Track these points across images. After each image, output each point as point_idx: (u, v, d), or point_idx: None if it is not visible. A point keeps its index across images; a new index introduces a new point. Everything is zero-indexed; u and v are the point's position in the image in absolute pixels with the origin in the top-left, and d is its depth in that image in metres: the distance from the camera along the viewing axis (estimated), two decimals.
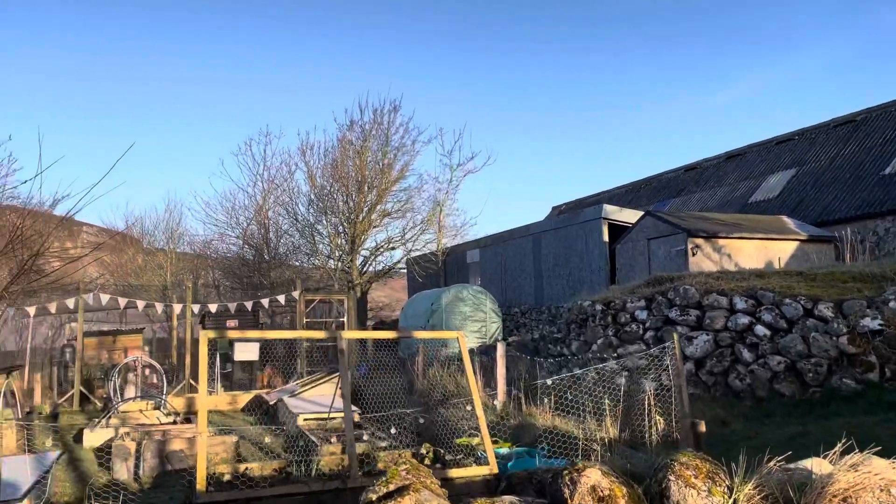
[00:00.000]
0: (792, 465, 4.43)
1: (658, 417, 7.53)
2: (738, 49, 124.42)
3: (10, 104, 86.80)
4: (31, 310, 14.66)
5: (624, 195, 32.08)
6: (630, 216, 21.63)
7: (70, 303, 15.03)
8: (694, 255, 18.14)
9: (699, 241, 18.07)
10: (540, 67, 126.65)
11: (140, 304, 15.90)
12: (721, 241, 18.34)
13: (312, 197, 25.09)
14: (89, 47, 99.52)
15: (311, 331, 12.03)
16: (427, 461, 9.58)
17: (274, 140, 49.14)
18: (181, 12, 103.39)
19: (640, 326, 12.28)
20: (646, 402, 7.76)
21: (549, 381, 7.84)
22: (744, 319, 11.59)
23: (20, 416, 11.27)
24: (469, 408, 8.04)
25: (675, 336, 7.81)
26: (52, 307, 15.09)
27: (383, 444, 10.03)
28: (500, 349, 10.97)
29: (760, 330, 11.37)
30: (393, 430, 9.33)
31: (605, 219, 21.55)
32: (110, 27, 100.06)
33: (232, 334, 9.97)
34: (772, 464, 4.34)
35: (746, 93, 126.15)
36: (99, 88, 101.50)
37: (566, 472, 4.52)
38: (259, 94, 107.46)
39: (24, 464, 8.32)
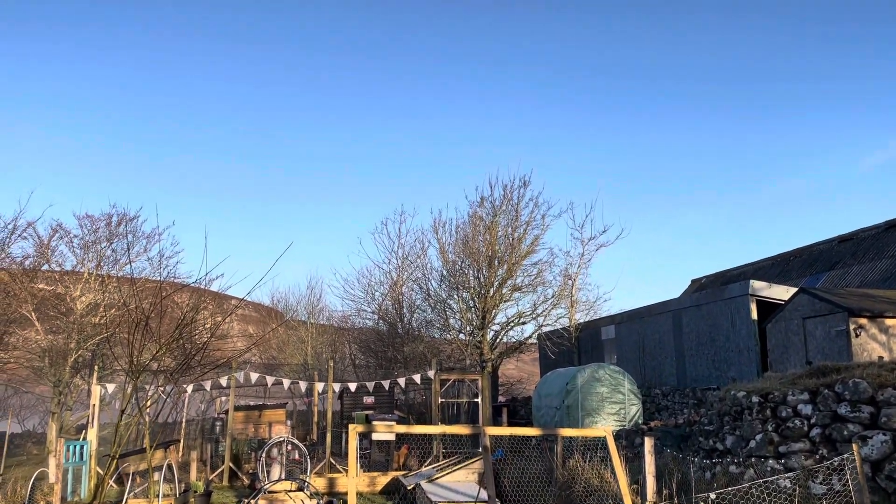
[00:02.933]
0: None
1: None
2: (882, 107, 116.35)
3: (178, 187, 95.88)
4: (189, 387, 15.61)
5: (770, 268, 30.18)
6: (781, 293, 20.23)
7: (223, 380, 15.89)
8: (857, 336, 16.61)
9: (863, 321, 16.55)
10: (673, 137, 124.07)
11: (286, 382, 16.54)
12: (889, 322, 16.71)
13: (444, 272, 25.48)
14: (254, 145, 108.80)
15: (455, 426, 11.98)
16: None
17: (408, 218, 50.29)
18: (329, 110, 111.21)
19: (805, 422, 11.22)
20: None
21: (712, 496, 7.25)
22: None
23: (178, 494, 11.85)
24: None
25: (856, 447, 7.02)
26: (207, 384, 16.00)
27: None
28: (648, 444, 10.32)
29: None
30: None
31: (752, 295, 20.27)
32: (275, 126, 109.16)
33: (380, 427, 10.08)
34: None
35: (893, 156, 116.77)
36: (255, 188, 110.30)
37: None
38: (396, 175, 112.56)
39: None
